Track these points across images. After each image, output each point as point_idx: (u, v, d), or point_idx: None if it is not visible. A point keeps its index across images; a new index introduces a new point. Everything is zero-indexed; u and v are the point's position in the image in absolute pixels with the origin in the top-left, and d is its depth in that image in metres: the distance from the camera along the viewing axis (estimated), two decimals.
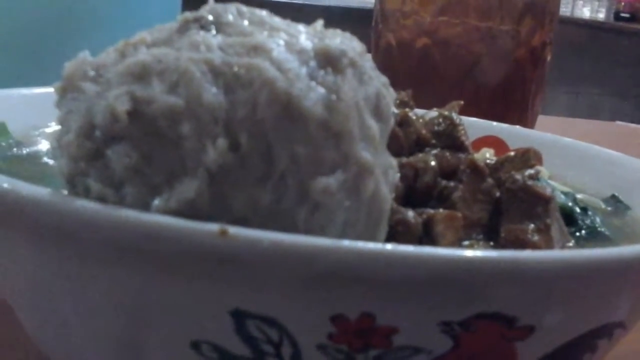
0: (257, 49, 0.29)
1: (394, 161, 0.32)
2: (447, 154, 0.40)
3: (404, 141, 0.40)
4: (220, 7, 0.32)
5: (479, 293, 0.27)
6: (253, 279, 0.26)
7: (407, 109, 0.43)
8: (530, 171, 0.39)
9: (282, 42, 0.30)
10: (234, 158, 0.27)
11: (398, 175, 0.32)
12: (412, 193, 0.37)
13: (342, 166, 0.29)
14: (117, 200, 0.28)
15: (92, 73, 0.30)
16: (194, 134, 0.27)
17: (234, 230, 0.25)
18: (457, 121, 0.43)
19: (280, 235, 0.26)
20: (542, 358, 0.30)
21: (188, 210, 0.27)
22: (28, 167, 0.42)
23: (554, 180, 0.48)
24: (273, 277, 0.26)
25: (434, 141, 0.42)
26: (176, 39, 0.30)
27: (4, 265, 0.33)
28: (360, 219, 0.30)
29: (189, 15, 0.31)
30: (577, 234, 0.42)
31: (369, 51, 0.33)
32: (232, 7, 0.32)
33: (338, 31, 0.33)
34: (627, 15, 4.62)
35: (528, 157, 0.42)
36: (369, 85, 0.31)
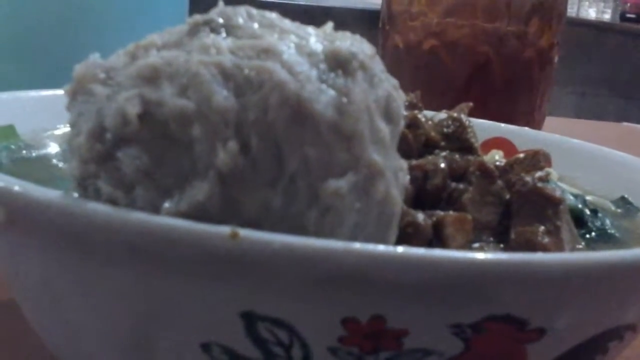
0: (268, 52, 0.29)
1: (404, 163, 0.32)
2: (457, 156, 0.40)
3: (413, 143, 0.40)
4: (230, 9, 0.32)
5: (490, 295, 0.27)
6: (263, 281, 0.26)
7: (416, 111, 0.43)
8: (540, 173, 0.39)
9: (292, 45, 0.30)
10: (244, 161, 0.27)
11: (408, 177, 0.32)
12: (422, 195, 0.37)
13: (353, 169, 0.29)
14: (128, 203, 0.28)
15: (102, 75, 0.30)
16: (205, 136, 0.27)
17: (244, 232, 0.25)
18: (467, 123, 0.43)
19: (290, 238, 0.26)
20: None
21: (198, 213, 0.27)
22: (37, 169, 0.42)
23: (563, 182, 0.48)
24: (283, 280, 0.26)
25: (443, 143, 0.42)
26: (186, 41, 0.30)
27: (15, 266, 0.33)
28: (370, 221, 0.30)
29: (199, 18, 0.31)
30: (587, 236, 0.42)
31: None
32: (242, 10, 0.32)
33: (348, 34, 0.33)
34: (632, 16, 4.61)
35: (537, 159, 0.42)
36: (379, 87, 0.31)
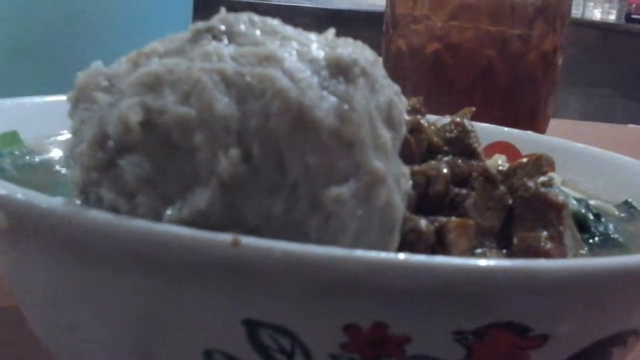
0: (269, 59, 0.29)
1: (406, 169, 0.32)
2: (459, 161, 0.40)
3: (415, 148, 0.40)
4: (232, 16, 0.32)
5: (493, 302, 0.27)
6: (265, 288, 0.26)
7: (418, 116, 0.43)
8: (543, 178, 0.39)
9: (294, 52, 0.30)
10: (246, 168, 0.27)
11: (410, 183, 0.32)
12: (424, 201, 0.37)
13: (355, 175, 0.29)
14: (130, 211, 0.28)
15: (104, 83, 0.30)
16: (206, 144, 0.27)
17: (246, 240, 0.25)
18: (469, 128, 0.43)
19: (292, 245, 0.26)
20: None
21: (200, 221, 0.27)
22: (40, 175, 0.42)
23: (566, 186, 0.48)
24: (285, 287, 0.26)
25: (446, 148, 0.41)
26: (188, 49, 0.30)
27: (17, 272, 0.33)
28: (372, 228, 0.30)
29: (200, 25, 0.31)
30: (591, 241, 0.42)
31: (379, 56, 0.33)
32: (244, 17, 0.32)
33: (350, 40, 0.33)
34: (638, 16, 4.60)
35: (540, 164, 0.41)
36: (381, 94, 0.31)
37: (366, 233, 0.29)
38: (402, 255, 0.26)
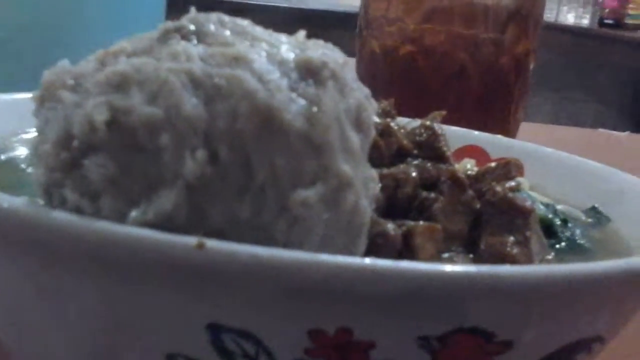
0: (238, 60, 0.29)
1: (374, 173, 0.32)
2: (428, 164, 0.40)
3: (385, 151, 0.40)
4: (202, 16, 0.31)
5: (457, 308, 0.27)
6: (230, 292, 0.26)
7: (389, 119, 0.43)
8: (511, 183, 0.39)
9: (263, 53, 0.30)
10: (213, 170, 0.27)
11: (379, 187, 0.32)
12: (392, 204, 0.37)
13: (322, 179, 0.29)
14: (94, 212, 0.27)
15: (71, 82, 0.29)
16: (173, 145, 0.27)
17: (211, 243, 0.25)
18: (439, 131, 0.43)
19: (258, 249, 0.25)
20: None
21: (165, 223, 0.27)
22: (5, 173, 0.42)
23: (535, 191, 0.48)
24: (250, 291, 0.26)
25: (415, 151, 0.42)
26: (157, 48, 0.30)
27: None
28: (339, 231, 0.29)
29: (170, 24, 0.31)
30: (557, 246, 0.42)
31: (352, 56, 0.33)
32: (214, 17, 0.31)
33: (320, 42, 0.32)
34: (611, 21, 4.65)
35: (509, 169, 0.42)
36: (350, 97, 0.31)
37: (333, 237, 0.29)
38: (367, 260, 0.26)
